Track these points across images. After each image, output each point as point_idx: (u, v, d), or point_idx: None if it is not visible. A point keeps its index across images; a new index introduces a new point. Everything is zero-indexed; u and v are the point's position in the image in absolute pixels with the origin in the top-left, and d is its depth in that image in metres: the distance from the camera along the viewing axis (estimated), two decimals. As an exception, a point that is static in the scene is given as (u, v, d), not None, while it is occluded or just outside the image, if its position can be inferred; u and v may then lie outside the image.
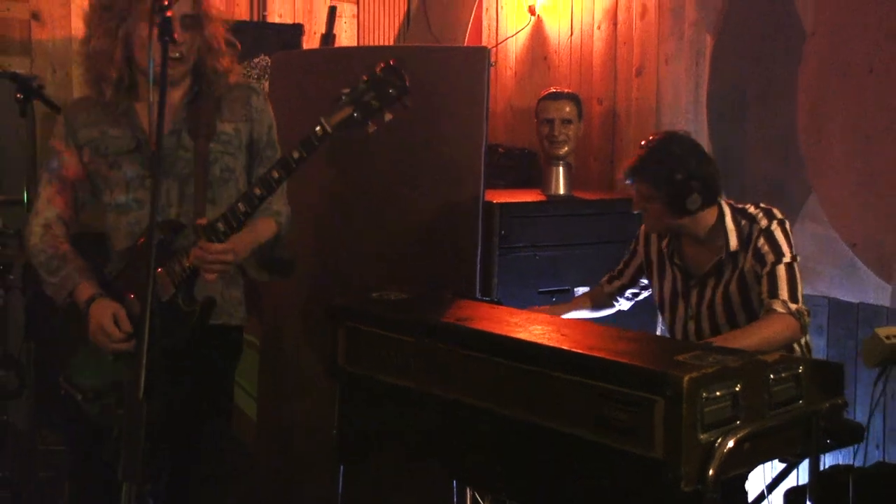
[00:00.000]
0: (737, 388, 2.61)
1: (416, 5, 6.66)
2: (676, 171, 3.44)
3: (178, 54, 2.96)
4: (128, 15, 2.96)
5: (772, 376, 2.74)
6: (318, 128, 2.93)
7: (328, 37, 6.27)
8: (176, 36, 2.57)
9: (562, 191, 4.71)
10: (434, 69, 4.27)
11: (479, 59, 4.25)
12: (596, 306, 3.95)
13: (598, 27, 5.31)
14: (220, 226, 2.93)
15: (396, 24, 6.78)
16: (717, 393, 2.56)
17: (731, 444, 2.53)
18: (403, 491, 4.13)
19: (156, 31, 2.49)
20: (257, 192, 2.93)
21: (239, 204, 2.93)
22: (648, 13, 4.98)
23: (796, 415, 2.79)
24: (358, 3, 6.75)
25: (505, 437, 2.97)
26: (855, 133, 4.03)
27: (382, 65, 2.92)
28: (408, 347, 3.22)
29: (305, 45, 6.06)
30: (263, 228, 3.22)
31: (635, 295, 3.93)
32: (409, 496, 4.14)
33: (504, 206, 4.32)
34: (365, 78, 2.92)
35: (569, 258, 4.48)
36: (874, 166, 3.89)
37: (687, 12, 4.75)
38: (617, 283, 3.93)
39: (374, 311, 3.42)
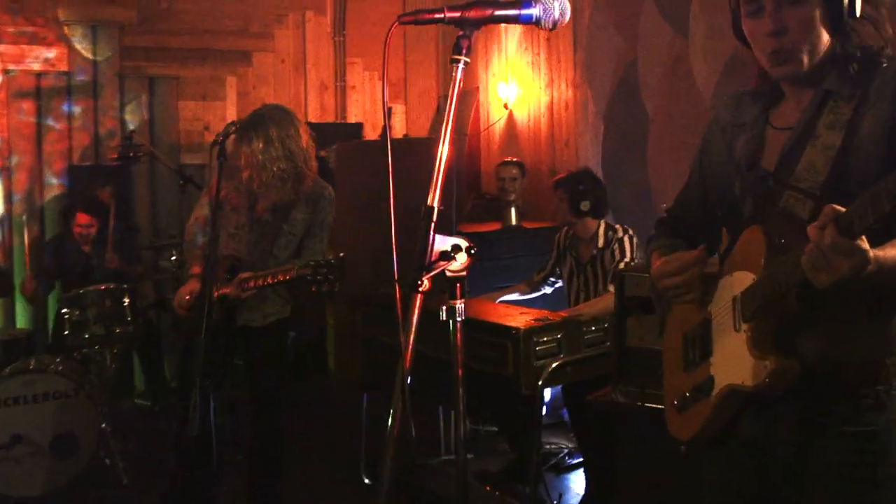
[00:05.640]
0: (559, 336, 3.10)
1: (440, 104, 7.13)
2: (580, 184, 3.88)
3: None
4: None
5: (584, 328, 3.23)
6: (290, 272, 3.01)
7: (386, 129, 6.88)
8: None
9: (513, 222, 5.11)
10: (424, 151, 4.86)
11: (455, 143, 4.78)
12: (529, 291, 4.26)
13: (543, 116, 5.68)
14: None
15: (430, 117, 7.16)
16: (545, 338, 3.07)
17: (553, 366, 3.05)
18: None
19: None
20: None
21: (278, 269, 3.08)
22: (569, 108, 5.38)
23: (603, 350, 3.23)
24: (406, 104, 7.24)
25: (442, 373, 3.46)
26: (680, 186, 4.42)
27: (342, 254, 2.97)
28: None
29: (366, 136, 6.56)
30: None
31: (553, 282, 4.22)
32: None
33: (472, 235, 4.79)
34: (332, 260, 2.93)
35: (515, 265, 4.75)
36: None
37: (589, 107, 5.17)
38: (542, 275, 4.22)
39: (380, 298, 3.91)
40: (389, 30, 1.38)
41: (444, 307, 1.47)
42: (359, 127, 6.41)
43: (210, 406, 2.97)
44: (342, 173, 5.13)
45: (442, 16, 1.42)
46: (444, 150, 1.44)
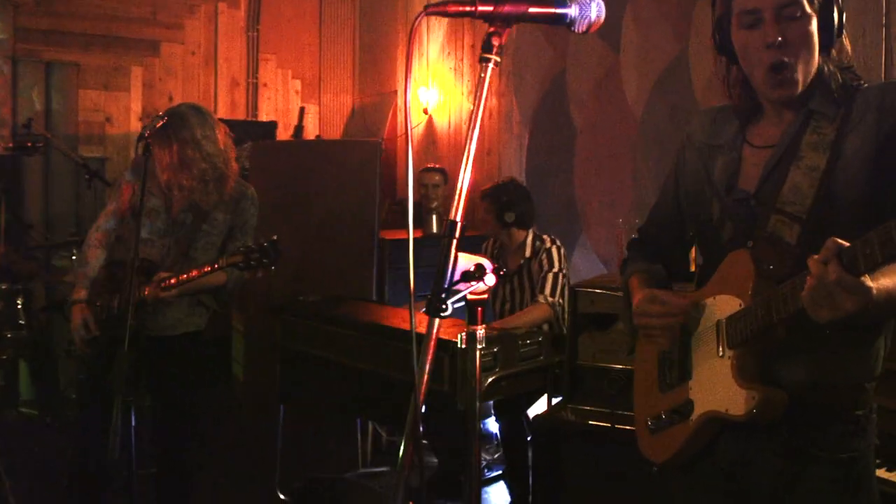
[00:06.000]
0: (495, 349, 3.00)
1: (357, 106, 6.97)
2: (504, 195, 3.83)
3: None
4: None
5: (520, 342, 3.14)
6: (218, 262, 2.82)
7: (299, 129, 6.65)
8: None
9: (435, 230, 5.00)
10: (350, 154, 4.74)
11: (374, 148, 4.69)
12: None
13: (465, 123, 5.61)
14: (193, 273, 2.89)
15: (344, 119, 7.00)
16: (482, 352, 3.03)
17: (489, 380, 2.96)
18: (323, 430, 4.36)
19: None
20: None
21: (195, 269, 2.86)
22: (493, 116, 5.36)
23: (537, 364, 3.17)
24: (320, 104, 7.04)
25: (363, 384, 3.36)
26: (606, 198, 4.49)
27: (274, 237, 2.75)
28: (319, 330, 3.58)
29: (279, 136, 6.25)
30: (213, 279, 2.96)
31: None
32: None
33: (393, 242, 4.67)
34: (264, 244, 2.74)
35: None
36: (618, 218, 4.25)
37: (514, 116, 5.15)
38: None
39: (300, 307, 3.82)
40: (416, 19, 1.24)
41: (464, 334, 1.34)
42: (272, 126, 6.11)
43: (130, 423, 2.72)
44: (256, 174, 4.88)
45: (473, 9, 1.27)
46: (469, 161, 1.29)
